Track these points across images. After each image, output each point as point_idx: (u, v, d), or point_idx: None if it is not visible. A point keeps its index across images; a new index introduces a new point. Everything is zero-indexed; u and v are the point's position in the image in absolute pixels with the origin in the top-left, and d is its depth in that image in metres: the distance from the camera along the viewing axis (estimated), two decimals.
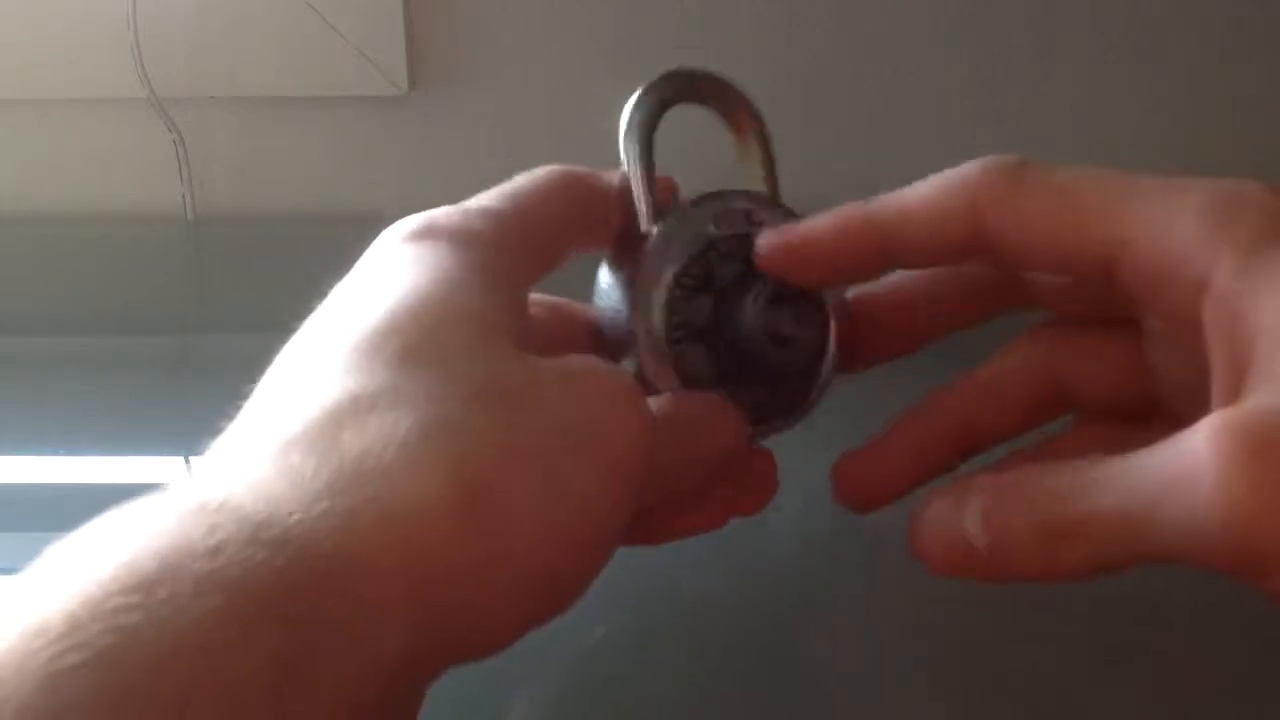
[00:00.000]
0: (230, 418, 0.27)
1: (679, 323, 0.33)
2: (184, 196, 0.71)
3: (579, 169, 0.34)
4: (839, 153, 0.67)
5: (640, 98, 0.36)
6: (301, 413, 0.25)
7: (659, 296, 0.33)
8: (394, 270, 0.29)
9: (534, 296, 0.33)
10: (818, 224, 0.32)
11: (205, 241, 0.71)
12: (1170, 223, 0.27)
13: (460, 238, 0.30)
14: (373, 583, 0.22)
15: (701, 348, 0.33)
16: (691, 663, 0.40)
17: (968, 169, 0.30)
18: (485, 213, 0.32)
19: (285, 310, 0.30)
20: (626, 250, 0.34)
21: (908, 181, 0.32)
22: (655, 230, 0.34)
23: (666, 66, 0.36)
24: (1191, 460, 0.24)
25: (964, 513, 0.27)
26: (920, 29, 0.68)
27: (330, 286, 0.30)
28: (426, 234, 0.30)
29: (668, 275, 0.33)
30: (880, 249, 0.31)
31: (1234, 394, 0.26)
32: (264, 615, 0.21)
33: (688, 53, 0.35)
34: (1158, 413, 0.32)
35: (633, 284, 0.34)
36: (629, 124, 0.35)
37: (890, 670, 0.39)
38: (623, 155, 0.35)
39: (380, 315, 0.27)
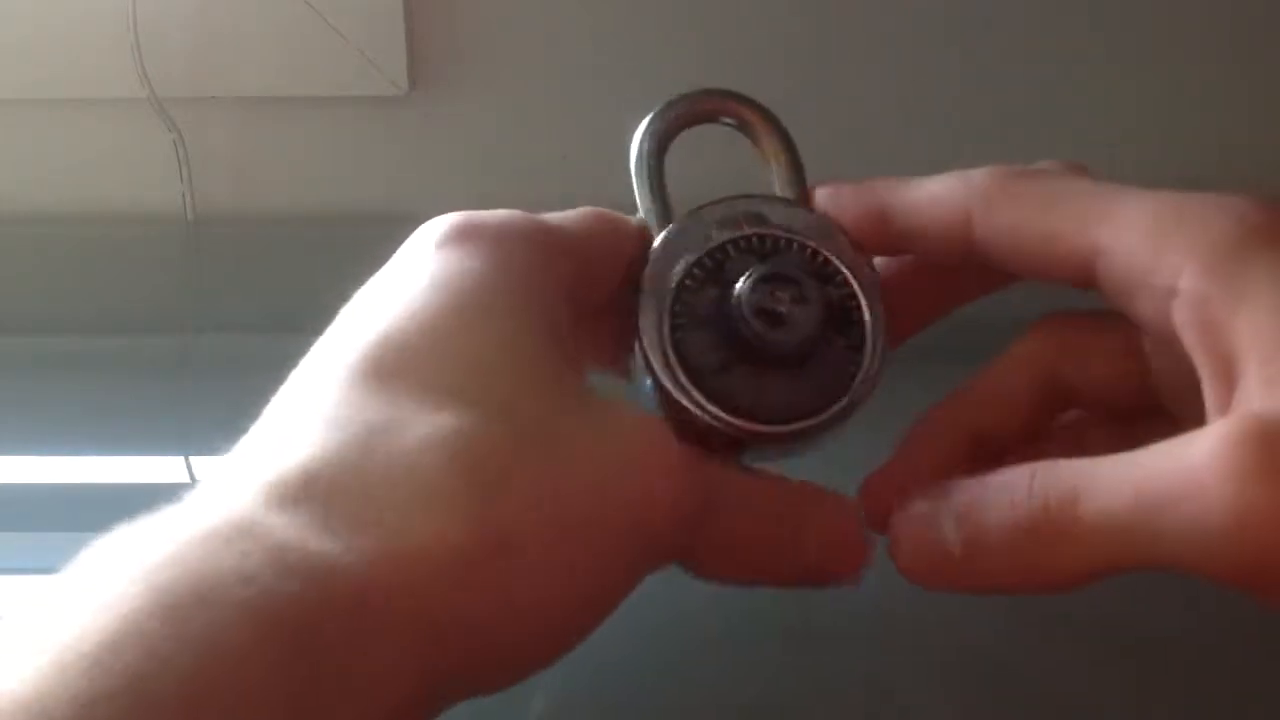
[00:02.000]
0: (232, 422, 0.27)
1: (680, 310, 0.33)
2: (184, 196, 0.71)
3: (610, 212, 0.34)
4: (838, 153, 0.67)
5: (646, 130, 0.36)
6: (326, 437, 0.25)
7: (665, 290, 0.33)
8: (429, 283, 0.28)
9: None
10: (846, 192, 0.33)
11: (205, 241, 0.71)
12: (1138, 231, 0.27)
13: (500, 245, 0.29)
14: (390, 628, 0.23)
15: (703, 334, 0.33)
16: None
17: (971, 173, 0.31)
18: (526, 218, 0.31)
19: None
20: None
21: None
22: (663, 235, 0.34)
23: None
24: (1196, 467, 0.24)
25: (940, 515, 0.27)
26: (920, 28, 0.68)
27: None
28: (464, 238, 0.29)
29: (677, 269, 0.33)
30: (893, 237, 0.32)
31: (1225, 400, 0.26)
32: (289, 648, 0.21)
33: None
34: (1158, 410, 0.32)
35: (640, 290, 0.33)
36: (638, 156, 0.35)
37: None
38: (635, 187, 0.35)
39: (412, 336, 0.26)
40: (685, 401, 0.32)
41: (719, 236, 0.34)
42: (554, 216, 0.33)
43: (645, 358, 0.33)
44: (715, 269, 0.33)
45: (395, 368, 0.26)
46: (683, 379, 0.32)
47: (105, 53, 0.67)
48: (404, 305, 0.27)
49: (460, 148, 0.70)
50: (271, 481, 0.24)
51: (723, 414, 0.32)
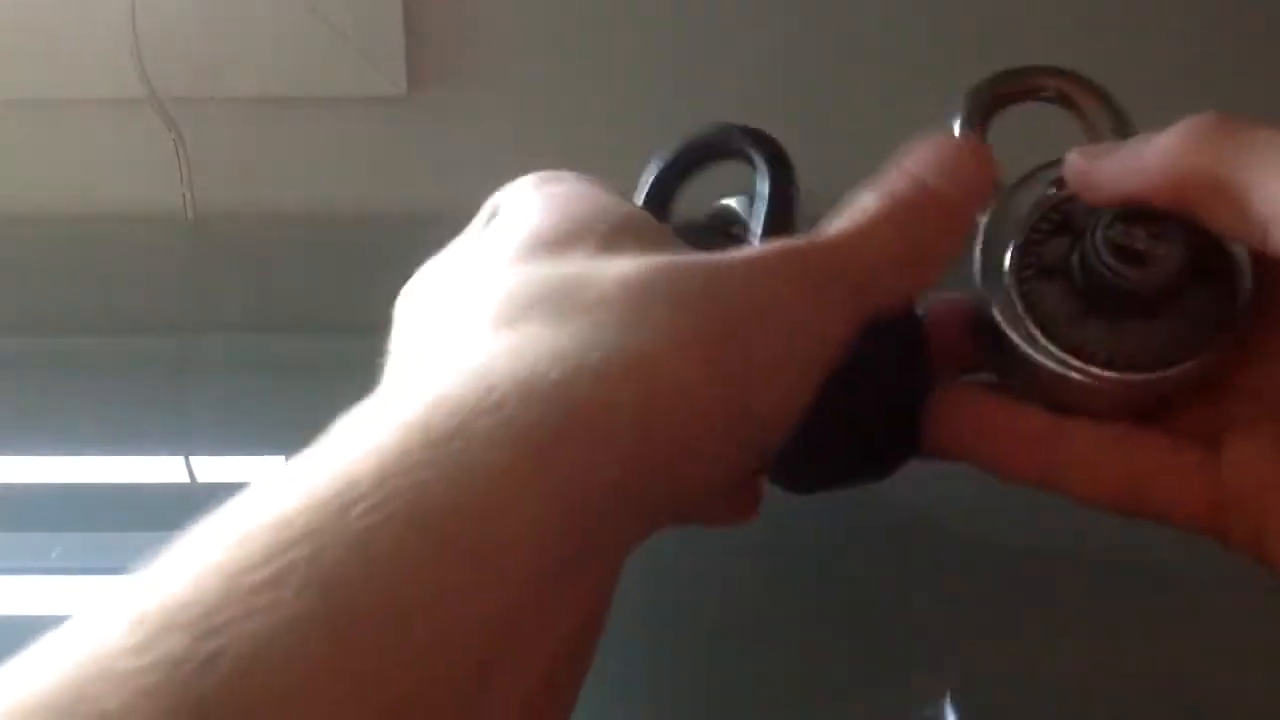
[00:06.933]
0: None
1: (1029, 262, 0.31)
2: (184, 196, 0.71)
3: None
4: (839, 154, 0.67)
5: (970, 99, 0.34)
6: (537, 284, 0.26)
7: (1013, 246, 0.32)
8: (542, 199, 0.30)
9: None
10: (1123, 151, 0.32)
11: (205, 241, 0.71)
12: None
13: (580, 176, 0.31)
14: (613, 421, 0.24)
15: (1056, 284, 0.31)
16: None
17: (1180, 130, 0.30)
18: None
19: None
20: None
21: None
22: (991, 208, 0.32)
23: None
24: None
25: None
26: (920, 29, 0.68)
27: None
28: (551, 178, 0.31)
29: (1023, 226, 0.32)
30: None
31: None
32: (549, 473, 0.22)
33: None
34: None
35: (982, 252, 0.32)
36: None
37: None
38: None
39: (552, 231, 0.28)
40: (1034, 353, 0.31)
41: (1057, 194, 0.32)
42: None
43: (990, 318, 0.31)
44: (1061, 222, 0.32)
45: (547, 247, 0.28)
46: (1034, 330, 0.31)
47: (105, 53, 0.67)
48: (526, 215, 0.29)
49: (460, 148, 0.70)
50: (493, 329, 0.25)
51: (1077, 363, 0.30)
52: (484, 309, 0.26)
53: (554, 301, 0.26)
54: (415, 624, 0.20)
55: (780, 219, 0.33)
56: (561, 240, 0.28)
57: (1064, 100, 0.34)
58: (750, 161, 0.34)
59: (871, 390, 0.31)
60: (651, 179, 0.34)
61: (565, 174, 0.31)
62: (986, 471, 0.31)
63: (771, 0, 0.68)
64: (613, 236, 0.28)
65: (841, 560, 0.44)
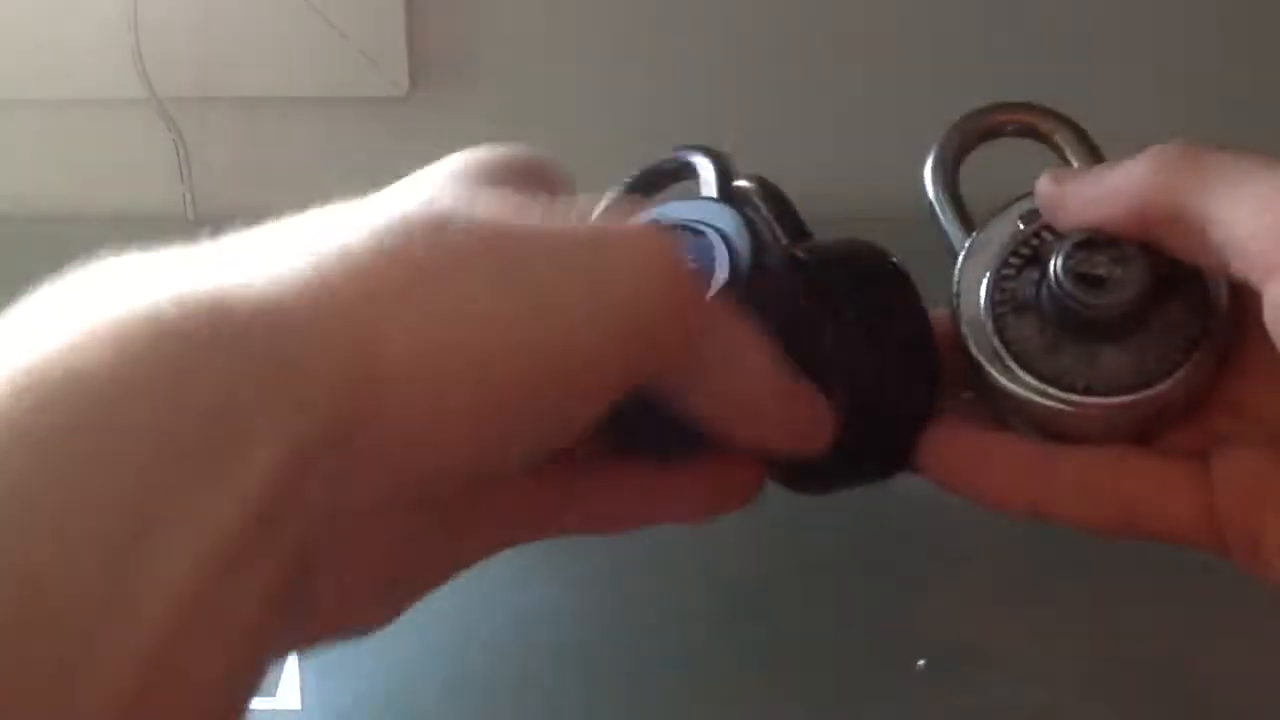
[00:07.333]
0: None
1: (1003, 298, 0.32)
2: (184, 196, 0.71)
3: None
4: (838, 155, 0.67)
5: (941, 148, 0.35)
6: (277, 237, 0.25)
7: (986, 281, 0.32)
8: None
9: None
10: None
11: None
12: None
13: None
14: (310, 346, 0.22)
15: (1029, 317, 0.32)
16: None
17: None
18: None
19: None
20: None
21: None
22: (968, 243, 0.33)
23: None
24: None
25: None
26: (919, 28, 0.68)
27: None
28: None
29: (992, 263, 0.32)
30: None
31: None
32: (202, 359, 0.21)
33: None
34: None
35: (957, 294, 0.32)
36: (934, 172, 0.35)
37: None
38: (934, 202, 0.35)
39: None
40: (1014, 386, 0.31)
41: (1029, 228, 0.33)
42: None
43: (969, 353, 0.32)
44: (1031, 256, 0.32)
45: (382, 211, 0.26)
46: (1011, 364, 0.31)
47: (105, 53, 0.67)
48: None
49: (460, 148, 0.70)
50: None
51: (1056, 392, 0.31)
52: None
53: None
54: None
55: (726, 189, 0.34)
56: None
57: (1032, 133, 0.35)
58: (692, 167, 0.35)
59: (879, 397, 0.31)
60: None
61: (508, 165, 0.30)
62: (979, 503, 0.31)
63: (773, 4, 0.68)
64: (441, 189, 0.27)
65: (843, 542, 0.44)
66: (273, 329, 0.21)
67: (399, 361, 0.22)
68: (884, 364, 0.31)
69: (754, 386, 0.29)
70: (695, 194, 0.34)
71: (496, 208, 0.26)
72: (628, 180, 0.35)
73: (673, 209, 0.33)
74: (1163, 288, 0.31)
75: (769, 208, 0.34)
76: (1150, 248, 0.30)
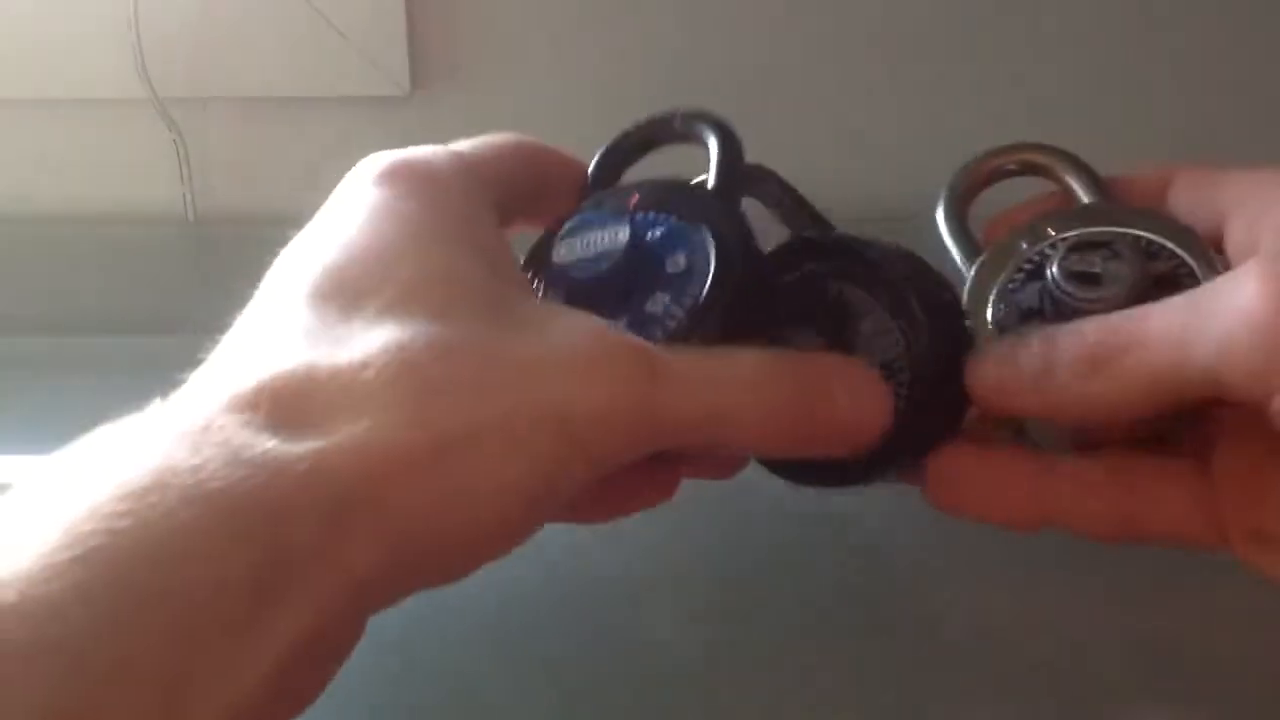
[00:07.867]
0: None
1: (1006, 310, 0.33)
2: (184, 196, 0.71)
3: (539, 143, 0.35)
4: (838, 155, 0.67)
5: (953, 184, 0.36)
6: (278, 351, 0.27)
7: (992, 297, 0.33)
8: (368, 216, 0.30)
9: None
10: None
11: (205, 241, 0.71)
12: None
13: (431, 181, 0.31)
14: (344, 508, 0.24)
15: (1032, 325, 0.32)
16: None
17: None
18: (452, 154, 0.33)
19: None
20: None
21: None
22: (975, 267, 0.34)
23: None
24: (1234, 287, 0.27)
25: (1020, 350, 0.30)
26: (919, 29, 0.68)
27: None
28: (398, 177, 0.32)
29: (999, 279, 0.33)
30: None
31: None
32: (243, 528, 0.23)
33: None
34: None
35: (968, 306, 0.33)
36: (947, 207, 0.35)
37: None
38: (944, 233, 0.35)
39: (355, 263, 0.29)
40: None
41: (1031, 248, 0.33)
42: (473, 146, 0.34)
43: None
44: (1034, 270, 0.33)
45: (339, 289, 0.28)
46: None
47: (105, 53, 0.67)
48: (346, 236, 0.30)
49: None
50: (228, 390, 0.26)
51: None
52: (248, 361, 0.27)
53: (298, 392, 0.26)
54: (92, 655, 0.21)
55: (729, 183, 0.34)
56: (350, 288, 0.28)
57: (1034, 170, 0.36)
58: (700, 140, 0.35)
59: (935, 390, 0.32)
60: (593, 164, 0.36)
61: (418, 164, 0.32)
62: (987, 523, 0.31)
63: (774, 11, 0.68)
64: (409, 295, 0.28)
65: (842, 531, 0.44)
66: (316, 495, 0.24)
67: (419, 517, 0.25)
68: (943, 354, 0.32)
69: (765, 410, 0.30)
70: (701, 171, 0.34)
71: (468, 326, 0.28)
72: (629, 129, 0.36)
73: (667, 198, 0.33)
74: (1158, 286, 0.31)
75: (785, 196, 0.35)
76: (1138, 243, 0.32)
